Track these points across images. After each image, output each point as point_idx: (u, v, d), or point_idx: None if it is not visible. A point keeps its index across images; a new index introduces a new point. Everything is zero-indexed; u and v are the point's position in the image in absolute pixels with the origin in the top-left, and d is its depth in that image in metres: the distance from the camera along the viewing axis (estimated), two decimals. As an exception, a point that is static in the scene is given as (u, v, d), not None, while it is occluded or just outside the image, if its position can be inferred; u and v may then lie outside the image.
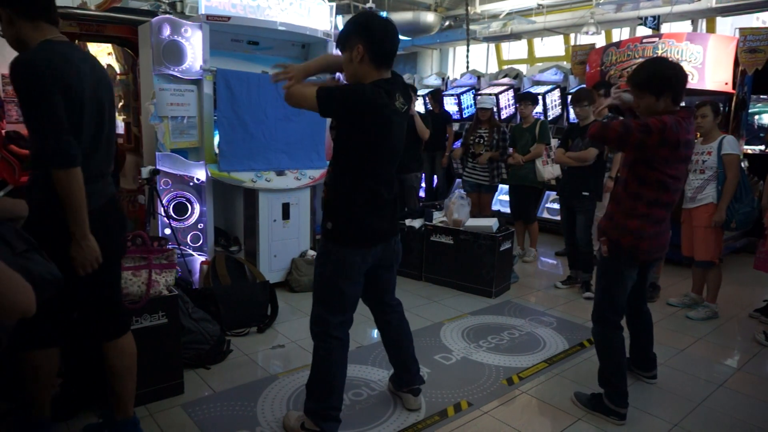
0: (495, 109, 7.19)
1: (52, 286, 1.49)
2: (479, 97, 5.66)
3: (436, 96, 7.22)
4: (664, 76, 2.40)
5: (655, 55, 5.73)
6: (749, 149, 6.26)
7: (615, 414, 2.55)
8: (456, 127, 7.41)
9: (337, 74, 2.64)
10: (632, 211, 2.46)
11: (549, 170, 5.10)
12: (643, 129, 2.30)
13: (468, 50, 10.68)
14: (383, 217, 2.21)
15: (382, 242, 2.24)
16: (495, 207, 6.79)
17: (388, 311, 2.52)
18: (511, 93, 7.46)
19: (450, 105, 7.82)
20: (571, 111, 6.55)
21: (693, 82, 5.47)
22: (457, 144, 6.96)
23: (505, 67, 11.07)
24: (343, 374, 2.28)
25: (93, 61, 2.01)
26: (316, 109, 2.04)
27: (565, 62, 8.94)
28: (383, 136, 2.09)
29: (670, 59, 2.57)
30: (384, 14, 10.39)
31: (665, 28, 8.07)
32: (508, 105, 7.46)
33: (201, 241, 4.06)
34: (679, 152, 2.36)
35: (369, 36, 2.04)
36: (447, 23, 11.51)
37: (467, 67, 10.03)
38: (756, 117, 6.39)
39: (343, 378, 2.29)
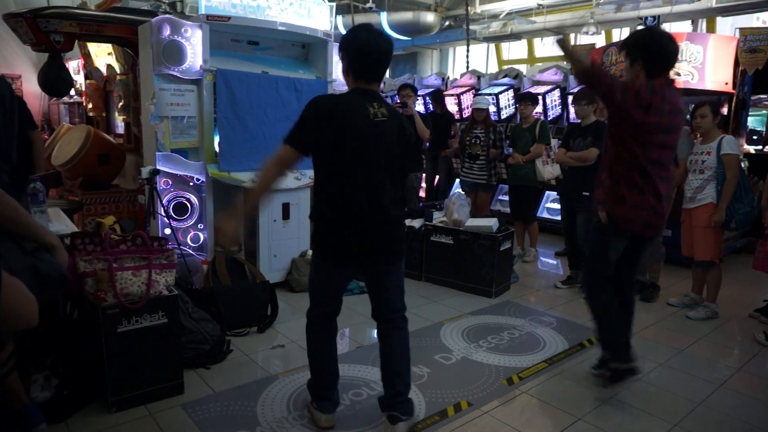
0: (495, 109, 7.19)
1: (58, 284, 1.49)
2: (475, 97, 5.66)
3: (437, 96, 7.23)
4: (638, 41, 2.43)
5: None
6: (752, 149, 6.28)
7: (628, 371, 2.58)
8: (456, 127, 7.42)
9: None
10: (619, 177, 2.51)
11: (549, 170, 5.10)
12: (624, 88, 2.32)
13: (468, 50, 10.68)
14: (346, 238, 2.13)
15: (348, 266, 2.23)
16: (495, 207, 6.80)
17: (385, 325, 2.37)
18: (511, 93, 7.46)
19: (450, 105, 7.82)
20: (572, 111, 6.58)
21: (693, 82, 5.48)
22: None
23: (505, 67, 11.07)
24: (324, 358, 2.39)
25: None
26: (296, 156, 2.07)
27: (565, 62, 8.93)
28: (345, 143, 2.06)
29: (663, 31, 2.53)
30: (384, 15, 10.40)
31: (665, 28, 8.06)
32: (508, 105, 7.46)
33: (201, 241, 4.06)
34: (650, 117, 2.33)
35: (349, 50, 2.12)
36: (447, 23, 11.51)
37: (467, 67, 10.03)
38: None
39: (325, 362, 2.39)
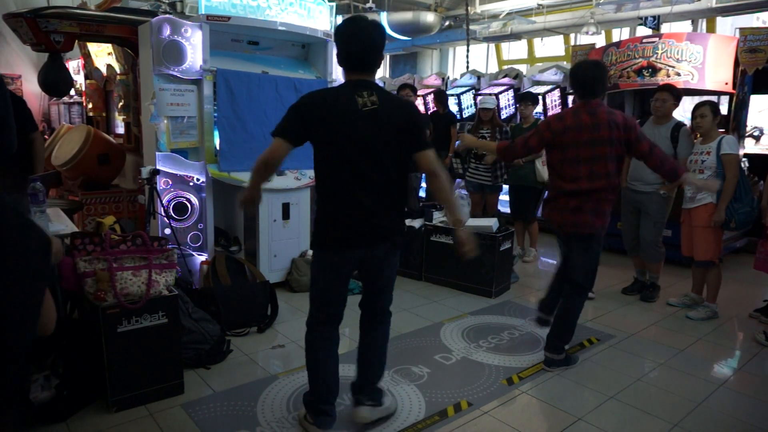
0: (495, 109, 7.18)
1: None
2: (481, 97, 5.64)
3: (440, 97, 7.20)
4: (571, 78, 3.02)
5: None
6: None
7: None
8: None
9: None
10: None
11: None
12: (535, 133, 3.00)
13: (468, 50, 10.68)
14: (341, 222, 2.17)
15: (344, 249, 2.21)
16: (495, 207, 6.78)
17: (372, 317, 2.45)
18: (511, 93, 7.45)
19: (450, 105, 7.81)
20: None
21: (693, 82, 5.48)
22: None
23: (505, 67, 11.06)
24: (328, 369, 2.32)
25: None
26: (284, 147, 2.14)
27: (565, 62, 8.93)
28: (332, 135, 2.12)
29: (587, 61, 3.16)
30: (384, 15, 10.42)
31: (665, 28, 8.07)
32: (508, 105, 7.45)
33: (201, 241, 4.06)
34: (564, 137, 2.86)
35: (336, 40, 2.18)
36: (447, 23, 11.50)
37: (467, 67, 10.02)
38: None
39: (329, 373, 2.33)
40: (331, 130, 2.11)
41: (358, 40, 2.11)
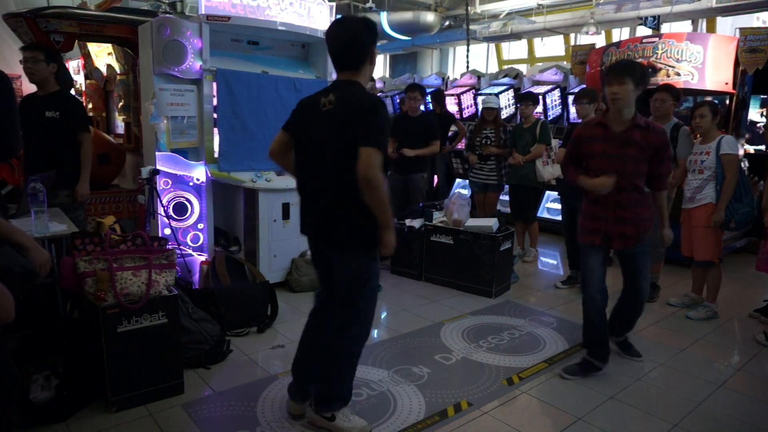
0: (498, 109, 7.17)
1: (21, 278, 1.48)
2: (484, 97, 5.62)
3: (437, 96, 7.20)
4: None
5: (646, 57, 5.76)
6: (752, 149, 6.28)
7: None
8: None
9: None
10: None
11: (549, 170, 5.10)
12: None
13: (468, 50, 10.69)
14: (305, 211, 2.32)
15: (308, 236, 2.35)
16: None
17: (319, 310, 2.45)
18: (511, 93, 7.45)
19: (450, 105, 7.81)
20: (572, 111, 6.57)
21: (693, 82, 5.48)
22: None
23: (505, 67, 11.07)
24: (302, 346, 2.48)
25: None
26: (283, 136, 2.34)
27: (565, 62, 8.95)
28: (300, 135, 2.28)
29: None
30: (384, 15, 10.42)
31: (665, 28, 8.08)
32: (509, 105, 7.45)
33: (201, 241, 4.06)
34: (582, 148, 2.91)
35: None
36: (447, 23, 11.51)
37: (467, 67, 10.03)
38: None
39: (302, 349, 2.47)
40: (300, 131, 2.27)
41: (332, 40, 2.19)
